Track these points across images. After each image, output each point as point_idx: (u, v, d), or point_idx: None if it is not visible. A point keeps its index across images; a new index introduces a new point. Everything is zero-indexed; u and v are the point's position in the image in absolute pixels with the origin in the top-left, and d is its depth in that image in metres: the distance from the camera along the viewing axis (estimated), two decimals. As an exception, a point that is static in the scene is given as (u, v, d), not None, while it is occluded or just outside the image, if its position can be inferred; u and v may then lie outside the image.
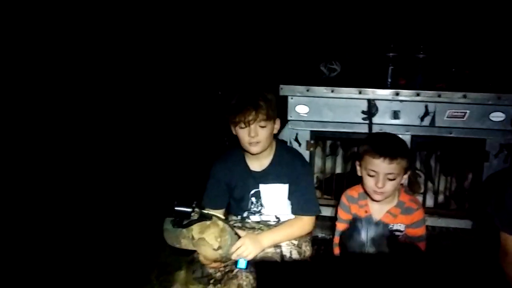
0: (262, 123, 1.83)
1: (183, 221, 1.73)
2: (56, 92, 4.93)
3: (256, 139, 1.84)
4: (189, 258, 1.92)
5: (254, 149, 1.87)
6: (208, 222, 1.74)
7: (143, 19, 5.00)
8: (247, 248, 1.76)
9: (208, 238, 1.71)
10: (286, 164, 1.96)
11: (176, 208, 1.71)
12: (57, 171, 4.33)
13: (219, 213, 1.96)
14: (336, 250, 2.00)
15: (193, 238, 1.74)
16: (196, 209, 1.72)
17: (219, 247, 1.71)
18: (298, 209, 1.97)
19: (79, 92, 5.05)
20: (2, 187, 3.72)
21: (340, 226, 2.00)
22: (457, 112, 2.49)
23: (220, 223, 1.75)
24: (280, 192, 1.97)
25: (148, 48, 5.07)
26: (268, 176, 1.97)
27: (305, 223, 1.96)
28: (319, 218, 2.66)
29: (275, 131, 1.94)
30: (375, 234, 1.83)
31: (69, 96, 4.98)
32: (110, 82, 5.12)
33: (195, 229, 1.74)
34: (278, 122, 1.94)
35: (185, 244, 1.77)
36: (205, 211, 1.75)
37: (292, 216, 2.02)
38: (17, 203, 3.66)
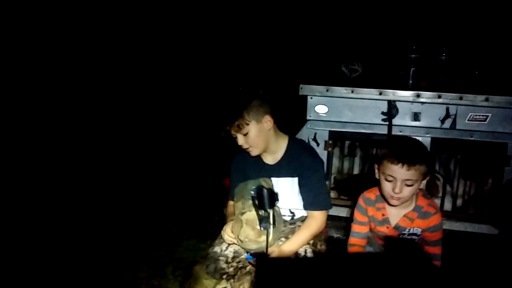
0: (242, 131, 1.85)
1: (258, 202, 1.76)
2: (49, 91, 4.99)
3: (245, 145, 1.88)
4: (204, 253, 1.94)
5: (251, 153, 1.93)
6: (258, 227, 1.77)
7: (163, 18, 5.04)
8: None
9: (243, 229, 1.77)
10: (295, 158, 1.97)
11: (264, 194, 1.74)
12: (76, 168, 4.42)
13: None
14: (351, 251, 1.99)
15: (242, 214, 1.80)
16: (271, 213, 1.74)
17: (240, 241, 1.78)
18: (308, 204, 1.97)
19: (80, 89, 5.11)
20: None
21: (356, 228, 1.99)
22: (479, 115, 2.46)
23: (262, 240, 1.75)
24: (291, 186, 1.99)
25: (167, 46, 5.11)
26: (280, 169, 1.99)
27: (318, 220, 1.96)
28: (335, 219, 2.67)
29: (268, 127, 1.92)
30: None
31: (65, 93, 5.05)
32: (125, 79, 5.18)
33: (251, 214, 1.79)
34: (265, 119, 1.90)
35: (237, 206, 1.88)
36: (274, 220, 1.77)
37: (305, 213, 2.02)
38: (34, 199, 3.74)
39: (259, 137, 1.89)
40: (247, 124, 1.84)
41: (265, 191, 1.74)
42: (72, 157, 4.62)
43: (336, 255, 2.34)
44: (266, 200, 1.73)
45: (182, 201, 3.77)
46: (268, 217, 1.73)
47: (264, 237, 1.75)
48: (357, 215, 1.99)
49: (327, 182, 2.71)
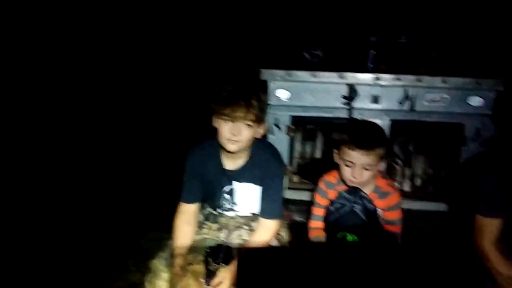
0: (249, 123, 1.73)
1: (212, 255, 1.72)
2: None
3: (237, 137, 1.74)
4: (162, 245, 1.91)
5: (231, 146, 1.77)
6: (202, 280, 1.69)
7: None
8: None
9: (185, 279, 1.70)
10: (260, 166, 1.88)
11: (222, 248, 1.73)
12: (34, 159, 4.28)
13: (196, 206, 1.95)
14: (311, 234, 2.00)
15: (189, 264, 1.75)
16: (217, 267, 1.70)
17: None
18: (261, 211, 1.90)
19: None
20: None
21: (317, 211, 2.00)
22: (436, 96, 2.51)
23: None
24: (253, 192, 1.92)
25: (123, 35, 4.96)
26: (242, 175, 1.90)
27: (271, 229, 1.88)
28: (298, 203, 2.69)
29: (258, 135, 1.85)
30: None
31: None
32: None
33: (199, 267, 1.72)
34: (263, 127, 1.84)
35: (187, 258, 1.80)
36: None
37: None
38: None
39: (252, 139, 1.80)
40: (259, 120, 1.76)
41: (224, 245, 1.73)
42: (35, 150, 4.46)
43: (299, 239, 2.36)
44: (222, 254, 1.69)
45: (145, 192, 3.70)
46: (216, 272, 1.68)
47: None
48: (318, 198, 2.00)
49: (289, 167, 2.72)
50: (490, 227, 1.68)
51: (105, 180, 3.91)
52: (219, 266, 1.69)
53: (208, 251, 1.74)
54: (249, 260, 1.78)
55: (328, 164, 2.08)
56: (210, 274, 1.68)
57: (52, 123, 4.80)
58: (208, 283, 1.68)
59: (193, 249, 1.84)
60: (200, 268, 1.73)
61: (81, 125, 4.89)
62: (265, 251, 1.85)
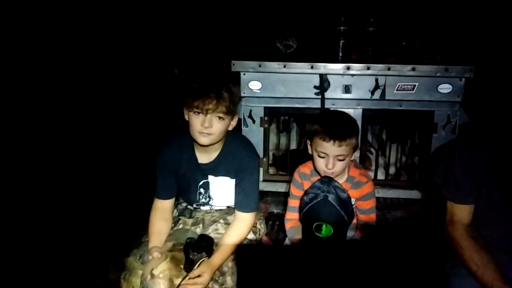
0: (221, 115, 1.72)
1: (195, 245, 1.71)
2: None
3: (209, 130, 1.72)
4: (137, 243, 1.89)
5: (203, 139, 1.75)
6: (182, 266, 1.70)
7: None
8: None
9: (165, 263, 1.70)
10: (234, 158, 1.88)
11: (205, 239, 1.75)
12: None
13: (171, 202, 1.94)
14: (288, 225, 2.01)
15: (169, 251, 1.76)
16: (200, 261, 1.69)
17: (152, 275, 1.68)
18: (238, 205, 1.90)
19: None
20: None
21: (292, 203, 2.00)
22: (406, 85, 2.53)
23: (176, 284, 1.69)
24: (228, 185, 1.91)
25: (92, 22, 4.82)
26: (216, 168, 1.90)
27: (247, 222, 1.89)
28: (275, 194, 2.71)
29: (230, 128, 1.84)
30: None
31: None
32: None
33: (179, 254, 1.73)
34: (235, 119, 1.84)
35: (166, 245, 1.80)
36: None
37: None
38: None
39: (224, 131, 1.79)
40: (230, 113, 1.75)
41: (206, 237, 1.74)
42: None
43: (276, 230, 2.38)
44: (204, 244, 1.70)
45: (122, 188, 3.65)
46: (196, 262, 1.67)
47: (178, 281, 1.67)
48: (293, 190, 2.01)
49: (264, 159, 2.72)
50: (460, 214, 1.70)
51: (80, 179, 3.84)
52: (200, 256, 1.68)
53: (189, 241, 1.73)
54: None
55: (304, 155, 2.09)
56: (190, 263, 1.68)
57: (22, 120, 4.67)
58: (187, 271, 1.67)
59: (172, 239, 1.84)
60: (180, 255, 1.72)
61: (53, 123, 4.77)
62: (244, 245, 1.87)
